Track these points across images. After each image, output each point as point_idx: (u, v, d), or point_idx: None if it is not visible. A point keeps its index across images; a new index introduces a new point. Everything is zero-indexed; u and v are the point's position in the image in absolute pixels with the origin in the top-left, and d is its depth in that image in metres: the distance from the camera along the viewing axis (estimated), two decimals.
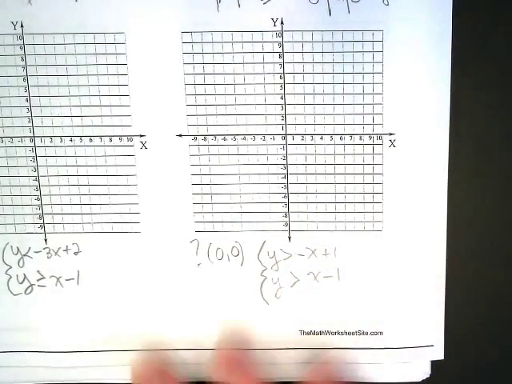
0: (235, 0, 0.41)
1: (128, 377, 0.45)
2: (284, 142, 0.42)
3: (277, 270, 0.44)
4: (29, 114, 0.43)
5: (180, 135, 0.42)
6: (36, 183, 0.43)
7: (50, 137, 0.43)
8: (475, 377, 0.46)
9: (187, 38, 0.42)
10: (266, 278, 0.44)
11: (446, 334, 0.45)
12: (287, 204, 0.43)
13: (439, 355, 0.45)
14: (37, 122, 0.43)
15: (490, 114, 0.43)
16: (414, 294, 0.44)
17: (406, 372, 0.45)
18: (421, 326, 0.44)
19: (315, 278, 0.44)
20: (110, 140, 0.43)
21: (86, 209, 0.44)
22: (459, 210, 0.44)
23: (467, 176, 0.43)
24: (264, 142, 0.42)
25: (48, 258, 0.44)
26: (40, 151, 0.43)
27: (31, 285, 0.44)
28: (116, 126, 0.43)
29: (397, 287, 0.44)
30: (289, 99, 0.42)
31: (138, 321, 0.45)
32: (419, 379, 0.45)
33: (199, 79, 0.42)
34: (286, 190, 0.43)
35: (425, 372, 0.45)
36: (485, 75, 0.42)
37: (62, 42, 0.42)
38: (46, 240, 0.44)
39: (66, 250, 0.44)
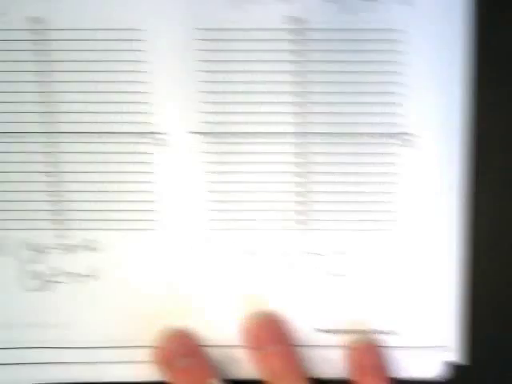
0: None
1: (146, 374, 0.45)
2: (299, 140, 0.42)
3: (292, 268, 0.44)
4: (48, 110, 0.43)
5: (194, 132, 0.42)
6: (55, 179, 0.43)
7: (69, 133, 0.42)
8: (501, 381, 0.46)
9: (201, 34, 0.42)
10: (281, 276, 0.44)
11: (471, 336, 0.44)
12: (302, 202, 0.43)
13: (453, 356, 0.44)
14: (56, 117, 0.43)
15: None
16: (428, 294, 0.44)
17: (421, 368, 0.45)
18: (435, 327, 0.44)
19: (332, 276, 0.44)
20: (127, 137, 0.43)
21: (102, 205, 0.44)
22: (477, 209, 0.43)
23: (487, 177, 0.43)
24: (277, 140, 0.42)
25: (64, 254, 0.44)
26: (58, 147, 0.43)
27: (47, 281, 0.44)
28: (133, 122, 0.43)
29: (411, 287, 0.44)
30: (304, 97, 0.42)
31: (153, 317, 0.44)
32: (432, 375, 0.45)
33: (213, 76, 0.42)
34: (300, 189, 0.43)
35: (437, 369, 0.44)
36: (508, 75, 0.42)
37: (81, 38, 0.42)
38: (62, 236, 0.44)
39: (83, 247, 0.44)
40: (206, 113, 0.42)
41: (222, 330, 0.45)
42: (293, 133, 0.42)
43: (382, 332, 0.44)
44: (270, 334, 0.43)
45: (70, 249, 0.44)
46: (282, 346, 0.43)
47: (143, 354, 0.44)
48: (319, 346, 0.45)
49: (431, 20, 0.41)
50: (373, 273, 0.44)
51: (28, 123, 0.43)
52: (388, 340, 0.44)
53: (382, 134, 0.42)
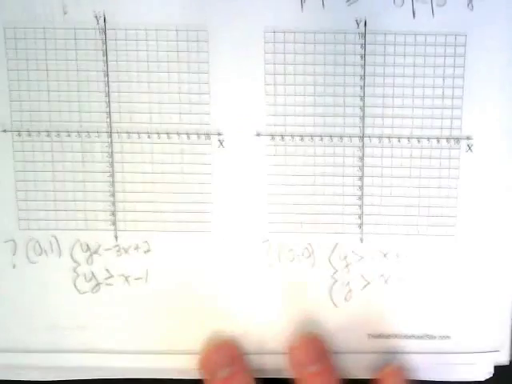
0: (320, 0, 0.41)
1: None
2: (361, 143, 0.42)
3: (348, 273, 0.43)
4: (107, 109, 0.42)
5: (258, 135, 0.42)
6: (110, 179, 0.43)
7: (128, 133, 0.42)
8: None
9: (270, 37, 0.41)
10: (336, 281, 0.43)
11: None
12: (361, 206, 0.43)
13: (504, 360, 0.44)
14: (115, 117, 0.42)
15: None
16: (482, 299, 0.44)
17: (469, 372, 0.44)
18: (487, 331, 0.44)
19: (386, 281, 0.43)
20: (188, 138, 0.42)
21: (158, 207, 0.43)
22: None
23: None
24: (341, 144, 0.42)
25: (117, 256, 0.43)
26: (116, 147, 0.42)
27: (99, 283, 0.44)
28: (194, 123, 0.42)
29: (466, 292, 0.43)
30: (368, 101, 0.41)
31: (205, 321, 0.44)
32: (482, 379, 0.44)
33: (280, 79, 0.42)
34: (360, 192, 0.42)
35: (488, 372, 0.44)
36: None
37: (144, 38, 0.41)
38: (116, 238, 0.43)
39: (137, 249, 0.43)
40: (270, 115, 0.42)
41: (273, 337, 0.44)
42: (356, 136, 0.42)
43: (435, 337, 0.44)
44: (312, 354, 0.42)
45: (124, 250, 0.43)
46: (323, 365, 0.42)
47: (193, 360, 0.43)
48: (371, 352, 0.44)
49: (490, 22, 0.41)
50: (428, 277, 0.43)
51: (89, 122, 0.42)
52: (441, 344, 0.44)
53: (441, 138, 0.42)
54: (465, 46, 0.41)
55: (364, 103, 0.42)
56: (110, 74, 0.42)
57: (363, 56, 0.41)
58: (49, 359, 0.44)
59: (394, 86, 0.42)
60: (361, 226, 0.43)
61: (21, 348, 0.44)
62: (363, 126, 0.42)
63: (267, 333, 0.44)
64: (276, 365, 0.44)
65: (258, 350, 0.44)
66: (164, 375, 0.45)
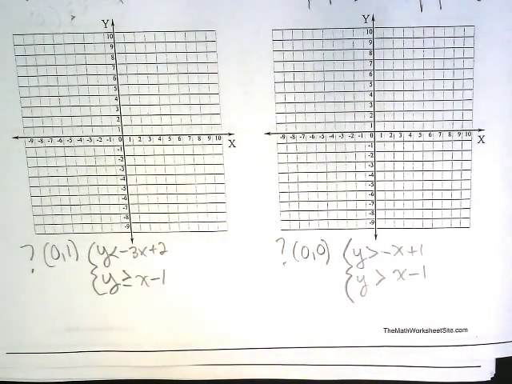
0: None
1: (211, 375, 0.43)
2: (372, 139, 0.39)
3: (362, 268, 0.41)
4: (118, 113, 0.40)
5: (269, 133, 0.40)
6: (124, 182, 0.40)
7: (139, 136, 0.40)
8: None
9: (278, 35, 0.39)
10: (351, 276, 0.41)
11: None
12: (374, 201, 0.40)
13: None
14: (126, 120, 0.40)
15: None
16: (499, 290, 0.41)
17: (474, 372, 0.42)
18: (505, 323, 0.41)
19: (401, 275, 0.41)
20: (199, 139, 0.40)
21: (172, 208, 0.41)
22: None
23: None
24: (352, 140, 0.40)
25: (134, 257, 0.41)
26: (128, 150, 0.40)
27: (116, 284, 0.42)
28: (205, 124, 0.40)
29: (482, 283, 0.41)
30: (378, 96, 0.39)
31: (222, 320, 0.42)
32: (487, 378, 0.42)
33: (289, 77, 0.39)
34: (373, 188, 0.40)
35: (491, 372, 0.42)
36: None
37: (153, 40, 0.39)
38: (132, 239, 0.41)
39: (152, 250, 0.41)
40: (280, 113, 0.40)
41: (289, 333, 0.42)
42: (366, 131, 0.40)
43: (452, 330, 0.42)
44: None
45: (140, 252, 0.41)
46: None
47: (208, 357, 0.42)
48: (388, 346, 0.42)
49: (498, 13, 0.38)
50: (444, 270, 0.41)
51: (101, 126, 0.40)
52: (458, 338, 0.42)
53: (452, 130, 0.40)
54: (473, 37, 0.38)
55: (374, 98, 0.39)
56: (119, 77, 0.39)
57: (372, 51, 0.39)
58: (69, 359, 0.43)
59: (403, 80, 0.39)
60: (374, 221, 0.40)
61: (42, 349, 0.43)
62: (374, 122, 0.39)
63: (283, 329, 0.42)
64: (290, 360, 0.42)
65: (273, 345, 0.42)
66: (180, 374, 0.43)
